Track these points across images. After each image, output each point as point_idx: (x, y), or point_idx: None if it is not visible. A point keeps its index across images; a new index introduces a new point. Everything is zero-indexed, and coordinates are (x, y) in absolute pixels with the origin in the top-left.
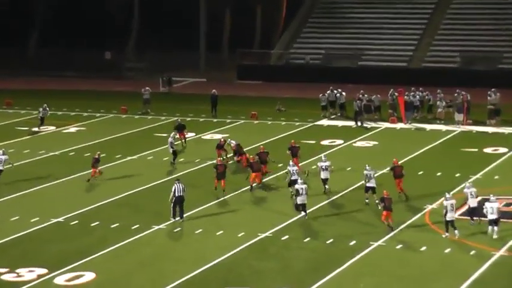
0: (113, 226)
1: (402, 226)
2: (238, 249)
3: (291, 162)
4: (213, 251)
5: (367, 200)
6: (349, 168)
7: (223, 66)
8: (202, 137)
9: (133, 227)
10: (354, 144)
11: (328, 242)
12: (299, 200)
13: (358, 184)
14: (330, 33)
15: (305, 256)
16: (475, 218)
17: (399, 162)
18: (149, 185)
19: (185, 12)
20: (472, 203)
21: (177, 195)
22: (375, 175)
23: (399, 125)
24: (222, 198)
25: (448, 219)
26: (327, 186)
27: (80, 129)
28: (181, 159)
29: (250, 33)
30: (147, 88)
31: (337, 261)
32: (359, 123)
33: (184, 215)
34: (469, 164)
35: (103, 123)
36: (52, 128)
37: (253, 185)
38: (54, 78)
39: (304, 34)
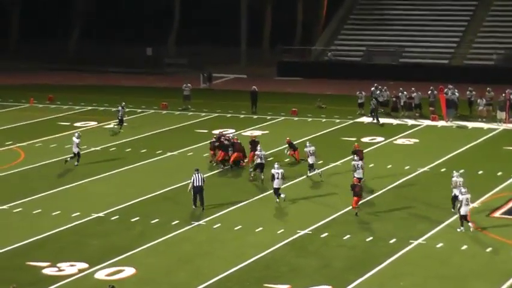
0: (152, 222)
1: (443, 224)
2: (277, 246)
3: (258, 147)
4: (252, 248)
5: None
6: (389, 166)
7: (264, 63)
8: (242, 134)
9: (173, 223)
10: (394, 142)
11: (367, 239)
12: (275, 184)
13: (399, 182)
14: (371, 30)
15: (344, 254)
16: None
17: (442, 159)
18: (189, 181)
19: (226, 8)
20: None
21: (195, 185)
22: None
23: (440, 123)
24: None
25: (462, 213)
26: (318, 170)
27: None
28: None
29: (291, 29)
30: (188, 84)
31: (377, 259)
32: (375, 120)
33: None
34: (511, 163)
35: (144, 118)
36: (94, 123)
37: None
38: (95, 74)
39: (345, 31)
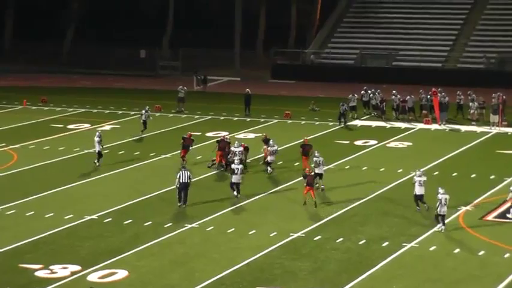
0: (146, 224)
1: (435, 228)
2: (270, 249)
3: (236, 143)
4: (245, 250)
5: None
6: (382, 169)
7: (258, 65)
8: (235, 136)
9: (166, 225)
10: (387, 145)
11: (360, 242)
12: (234, 178)
13: (391, 185)
14: (364, 32)
15: (337, 257)
16: (423, 205)
17: (434, 163)
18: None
19: (220, 11)
20: (419, 190)
21: (181, 181)
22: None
23: (433, 126)
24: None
25: (440, 213)
26: (269, 169)
27: (115, 127)
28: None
29: (285, 32)
30: (184, 87)
31: (370, 262)
32: (342, 124)
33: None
34: (504, 166)
35: (137, 121)
36: (87, 126)
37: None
38: (88, 76)
39: (338, 34)
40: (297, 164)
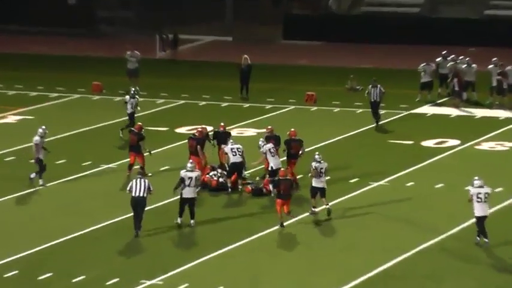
0: (75, 280)
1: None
2: None
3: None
4: None
5: None
6: (468, 188)
7: (261, 18)
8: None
9: (109, 282)
10: (476, 147)
11: None
12: (185, 192)
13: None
14: None
15: None
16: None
17: None
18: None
19: None
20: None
21: (134, 195)
22: None
23: None
24: None
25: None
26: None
27: (25, 118)
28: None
29: None
30: (136, 52)
31: None
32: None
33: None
34: None
35: (62, 108)
36: None
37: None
38: None
39: None
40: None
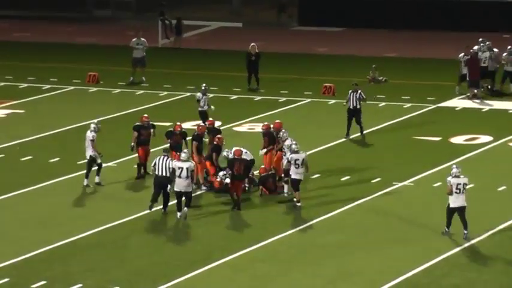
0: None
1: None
2: None
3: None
4: None
5: None
6: (501, 188)
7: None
8: (233, 129)
9: None
10: (510, 144)
11: None
12: (177, 184)
13: None
14: None
15: None
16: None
17: None
18: (135, 216)
19: None
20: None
21: (158, 173)
22: None
23: None
24: None
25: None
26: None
27: (15, 113)
28: None
29: None
30: (142, 39)
31: None
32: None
33: None
34: None
35: (55, 101)
36: None
37: None
38: None
39: None
40: (345, 178)
